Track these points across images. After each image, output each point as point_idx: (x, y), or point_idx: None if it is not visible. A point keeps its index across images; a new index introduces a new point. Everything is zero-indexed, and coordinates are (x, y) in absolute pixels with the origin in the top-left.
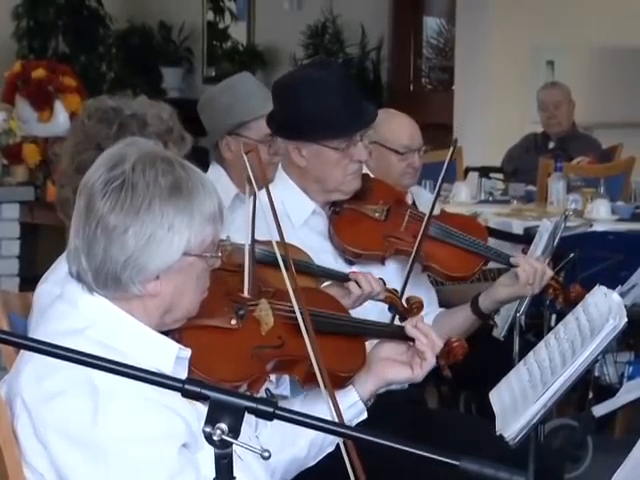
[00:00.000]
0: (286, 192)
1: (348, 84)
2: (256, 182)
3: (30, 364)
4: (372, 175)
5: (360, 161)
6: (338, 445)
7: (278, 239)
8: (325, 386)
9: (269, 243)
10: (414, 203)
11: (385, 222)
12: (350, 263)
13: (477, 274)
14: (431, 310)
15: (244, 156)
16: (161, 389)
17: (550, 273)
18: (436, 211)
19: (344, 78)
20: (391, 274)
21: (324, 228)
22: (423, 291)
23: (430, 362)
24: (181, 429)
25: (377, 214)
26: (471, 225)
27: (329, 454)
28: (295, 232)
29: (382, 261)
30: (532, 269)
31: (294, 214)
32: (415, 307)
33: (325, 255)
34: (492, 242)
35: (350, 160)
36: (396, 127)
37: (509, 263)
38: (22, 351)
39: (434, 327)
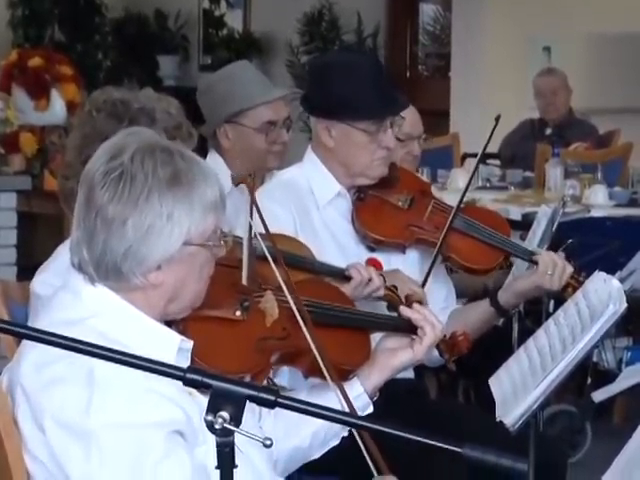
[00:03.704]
0: (313, 171)
1: (382, 71)
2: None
3: (31, 353)
4: None
5: (388, 148)
6: (350, 438)
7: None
8: (332, 378)
9: (267, 237)
10: None
11: (408, 211)
12: (371, 249)
13: (496, 268)
14: (449, 304)
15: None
16: (161, 381)
17: (570, 271)
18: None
19: (379, 65)
20: (412, 263)
21: (347, 211)
22: (441, 284)
23: (429, 336)
24: (177, 417)
25: (400, 202)
26: (494, 219)
27: (344, 446)
28: (319, 212)
29: (403, 250)
30: (551, 260)
31: (319, 194)
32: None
33: (346, 238)
34: None
35: (378, 145)
36: None
37: (531, 258)
38: (23, 340)
39: (450, 322)
